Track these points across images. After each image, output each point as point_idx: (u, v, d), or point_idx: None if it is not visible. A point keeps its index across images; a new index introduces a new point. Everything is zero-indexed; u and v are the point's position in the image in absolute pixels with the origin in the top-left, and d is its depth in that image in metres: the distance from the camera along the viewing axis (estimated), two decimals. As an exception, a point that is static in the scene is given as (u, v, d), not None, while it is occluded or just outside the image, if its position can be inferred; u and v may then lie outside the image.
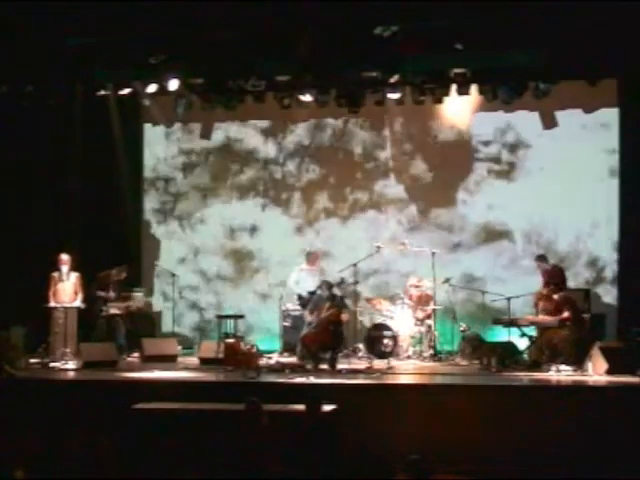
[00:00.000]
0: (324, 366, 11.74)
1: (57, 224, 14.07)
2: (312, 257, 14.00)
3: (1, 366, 11.29)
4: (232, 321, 13.00)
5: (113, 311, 13.23)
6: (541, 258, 13.23)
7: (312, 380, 10.63)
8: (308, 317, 12.45)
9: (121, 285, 13.50)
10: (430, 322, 13.21)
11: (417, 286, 13.45)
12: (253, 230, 15.17)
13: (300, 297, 13.59)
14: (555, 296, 11.94)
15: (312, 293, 12.99)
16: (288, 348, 13.27)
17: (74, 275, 12.88)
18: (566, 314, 11.70)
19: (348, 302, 12.92)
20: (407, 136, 14.73)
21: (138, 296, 13.89)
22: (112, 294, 13.32)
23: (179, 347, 13.52)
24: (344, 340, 12.45)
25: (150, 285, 15.11)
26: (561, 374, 11.09)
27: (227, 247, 15.24)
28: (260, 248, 15.12)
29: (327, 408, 9.12)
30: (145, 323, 14.28)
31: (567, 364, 11.31)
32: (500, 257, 14.44)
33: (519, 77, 12.90)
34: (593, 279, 14.04)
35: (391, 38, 11.91)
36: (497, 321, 12.53)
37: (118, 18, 12.02)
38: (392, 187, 14.84)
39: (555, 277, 12.79)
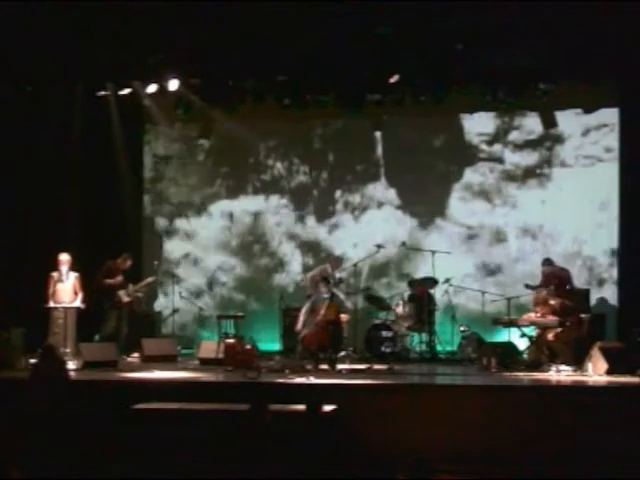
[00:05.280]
0: (324, 366, 11.74)
1: (57, 224, 14.05)
2: (334, 261, 13.81)
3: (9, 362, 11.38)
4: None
5: (125, 299, 13.19)
6: (547, 262, 13.16)
7: (312, 380, 10.62)
8: (302, 318, 12.47)
9: (127, 274, 13.47)
10: (430, 322, 13.21)
11: (417, 286, 13.45)
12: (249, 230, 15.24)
13: (310, 297, 13.51)
14: (552, 302, 11.87)
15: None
16: (288, 348, 13.27)
17: (73, 275, 12.86)
18: (565, 321, 11.69)
19: (348, 302, 12.91)
20: (405, 136, 14.74)
21: (149, 279, 13.88)
22: (121, 280, 13.26)
23: (179, 347, 13.52)
24: (344, 340, 12.45)
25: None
26: (561, 374, 11.09)
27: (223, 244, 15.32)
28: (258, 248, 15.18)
29: (327, 408, 9.11)
30: (145, 323, 14.28)
31: (567, 364, 11.31)
32: (500, 257, 14.45)
33: (519, 77, 12.91)
34: (593, 279, 14.03)
35: (391, 38, 11.92)
36: (497, 321, 12.53)
37: (118, 18, 12.02)
38: (390, 188, 14.85)
39: (562, 279, 12.78)
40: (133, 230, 15.31)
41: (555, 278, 12.71)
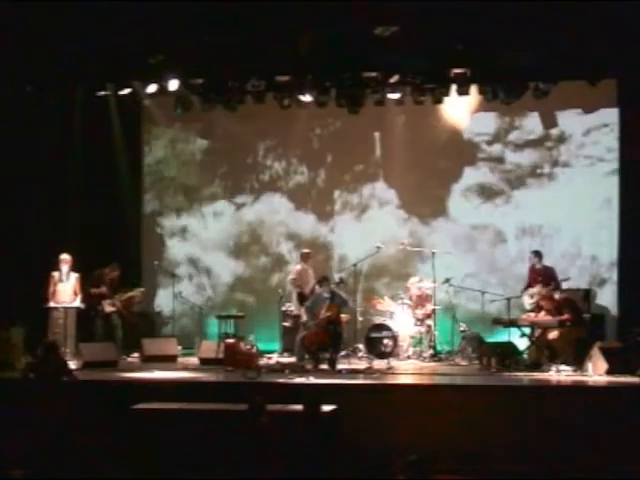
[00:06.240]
0: (324, 366, 11.75)
1: (57, 224, 14.05)
2: (306, 256, 13.95)
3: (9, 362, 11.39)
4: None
5: (108, 309, 13.15)
6: (536, 254, 13.16)
7: (312, 380, 10.64)
8: (305, 316, 12.46)
9: (115, 283, 13.44)
10: (430, 322, 13.21)
11: (418, 286, 13.44)
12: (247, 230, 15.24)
13: (301, 295, 13.53)
14: (556, 296, 11.95)
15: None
16: (288, 348, 13.27)
17: (74, 276, 12.88)
18: (566, 315, 11.72)
19: (350, 301, 12.90)
20: (405, 136, 14.73)
21: (135, 291, 13.82)
22: (105, 290, 13.20)
23: (179, 347, 13.51)
24: (344, 340, 12.45)
25: (152, 284, 15.10)
26: (561, 374, 11.10)
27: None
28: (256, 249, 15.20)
29: (327, 408, 9.12)
30: (145, 323, 14.28)
31: (567, 364, 11.33)
32: (501, 257, 14.44)
33: (519, 77, 12.89)
34: (593, 279, 14.02)
35: (391, 38, 11.91)
36: (497, 321, 12.54)
37: (118, 18, 12.02)
38: (390, 188, 14.84)
39: (550, 277, 12.81)
40: (133, 230, 15.31)
41: (539, 276, 12.77)
